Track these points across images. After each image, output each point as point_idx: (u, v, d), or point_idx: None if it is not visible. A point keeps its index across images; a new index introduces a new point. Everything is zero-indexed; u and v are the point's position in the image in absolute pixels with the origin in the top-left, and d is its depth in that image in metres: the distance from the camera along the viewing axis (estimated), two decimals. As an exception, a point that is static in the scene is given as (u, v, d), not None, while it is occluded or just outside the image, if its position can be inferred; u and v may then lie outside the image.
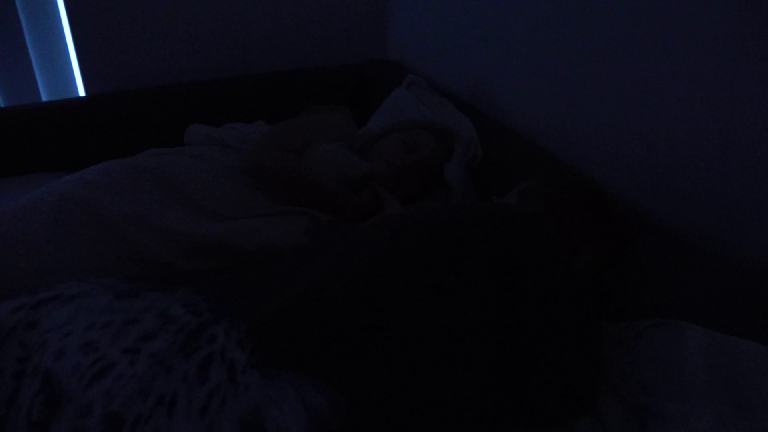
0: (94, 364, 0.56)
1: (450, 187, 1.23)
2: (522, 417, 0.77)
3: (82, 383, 0.55)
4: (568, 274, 0.86)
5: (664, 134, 1.04)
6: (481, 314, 0.77)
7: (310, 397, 0.60)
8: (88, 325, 0.56)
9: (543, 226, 0.94)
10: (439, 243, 0.79)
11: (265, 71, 1.73)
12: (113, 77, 1.62)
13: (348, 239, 0.83)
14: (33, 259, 0.88)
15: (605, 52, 1.12)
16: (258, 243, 0.95)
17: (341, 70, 1.82)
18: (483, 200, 1.27)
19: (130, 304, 0.60)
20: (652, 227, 1.02)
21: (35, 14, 1.50)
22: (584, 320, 0.86)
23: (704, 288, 0.88)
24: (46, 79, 1.62)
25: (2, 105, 1.59)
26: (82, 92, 1.68)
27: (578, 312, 0.85)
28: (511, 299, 0.79)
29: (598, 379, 0.85)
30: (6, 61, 1.52)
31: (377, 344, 0.67)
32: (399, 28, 1.89)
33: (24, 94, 1.59)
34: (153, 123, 1.58)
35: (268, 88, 1.69)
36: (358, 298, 0.68)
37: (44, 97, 1.64)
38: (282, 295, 0.67)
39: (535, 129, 1.34)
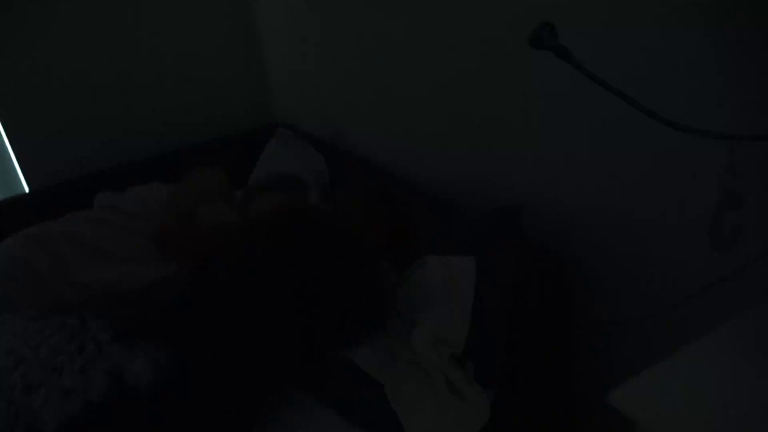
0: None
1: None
2: (331, 341, 1.12)
3: None
4: (358, 251, 1.24)
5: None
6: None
7: (153, 354, 0.97)
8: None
9: (337, 220, 1.34)
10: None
11: (160, 154, 1.96)
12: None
13: None
14: None
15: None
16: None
17: (232, 140, 2.08)
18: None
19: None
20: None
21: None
22: (367, 273, 1.22)
23: (450, 232, 1.25)
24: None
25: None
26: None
27: (364, 272, 1.22)
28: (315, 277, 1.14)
29: (383, 306, 1.22)
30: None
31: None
32: (281, 90, 2.16)
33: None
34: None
35: (167, 166, 1.87)
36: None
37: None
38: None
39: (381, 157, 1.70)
